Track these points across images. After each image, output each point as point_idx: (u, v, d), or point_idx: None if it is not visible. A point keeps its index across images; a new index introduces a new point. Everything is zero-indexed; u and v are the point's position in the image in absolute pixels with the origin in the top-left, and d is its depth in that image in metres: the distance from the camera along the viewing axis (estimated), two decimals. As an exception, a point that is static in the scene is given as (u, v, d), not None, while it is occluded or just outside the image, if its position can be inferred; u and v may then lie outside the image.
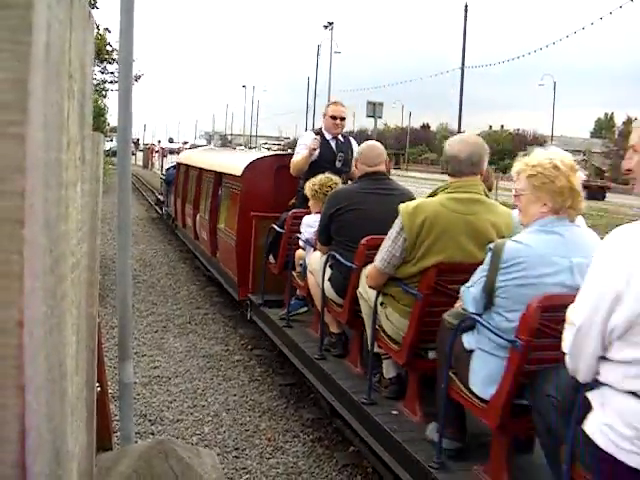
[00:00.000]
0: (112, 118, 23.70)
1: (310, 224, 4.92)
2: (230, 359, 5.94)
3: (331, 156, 5.64)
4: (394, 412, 3.45)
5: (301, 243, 5.07)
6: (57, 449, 0.93)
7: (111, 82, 16.33)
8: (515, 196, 2.75)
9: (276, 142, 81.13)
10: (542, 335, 2.43)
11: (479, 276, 2.72)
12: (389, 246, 3.31)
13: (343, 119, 5.78)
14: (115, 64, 14.83)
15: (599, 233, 2.80)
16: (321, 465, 4.02)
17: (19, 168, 0.67)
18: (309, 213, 5.09)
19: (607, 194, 35.74)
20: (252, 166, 6.55)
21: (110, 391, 4.02)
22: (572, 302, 2.08)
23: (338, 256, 4.14)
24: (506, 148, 52.20)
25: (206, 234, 8.21)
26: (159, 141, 65.34)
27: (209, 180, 8.44)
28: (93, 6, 13.01)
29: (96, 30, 12.31)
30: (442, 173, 23.50)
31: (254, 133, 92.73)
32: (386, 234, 3.36)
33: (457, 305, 2.98)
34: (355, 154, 4.75)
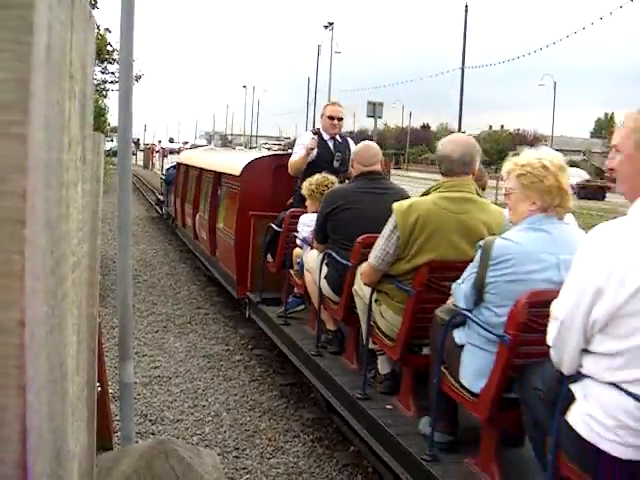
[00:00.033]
0: (112, 118, 23.79)
1: (307, 223, 4.97)
2: (230, 359, 5.95)
3: (329, 156, 5.69)
4: (388, 407, 3.51)
5: (298, 242, 5.12)
6: (58, 449, 0.93)
7: (112, 82, 16.40)
8: (505, 195, 2.82)
9: (276, 142, 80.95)
10: (530, 330, 2.49)
11: (469, 273, 2.78)
12: (383, 244, 3.37)
13: (340, 119, 5.82)
14: (116, 64, 14.89)
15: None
16: (321, 465, 4.03)
17: (20, 168, 0.66)
18: (306, 212, 5.14)
19: (607, 194, 35.63)
20: (250, 166, 6.60)
21: (111, 391, 4.04)
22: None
23: (334, 254, 4.19)
24: (506, 148, 52.15)
25: (205, 234, 8.25)
26: (159, 141, 65.41)
27: (208, 180, 8.48)
28: (94, 6, 13.07)
29: (97, 30, 12.32)
30: (442, 173, 23.35)
31: (254, 133, 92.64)
32: (381, 232, 3.42)
33: (449, 301, 3.04)
34: (352, 154, 4.81)
